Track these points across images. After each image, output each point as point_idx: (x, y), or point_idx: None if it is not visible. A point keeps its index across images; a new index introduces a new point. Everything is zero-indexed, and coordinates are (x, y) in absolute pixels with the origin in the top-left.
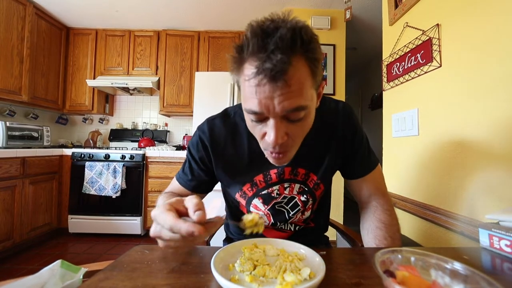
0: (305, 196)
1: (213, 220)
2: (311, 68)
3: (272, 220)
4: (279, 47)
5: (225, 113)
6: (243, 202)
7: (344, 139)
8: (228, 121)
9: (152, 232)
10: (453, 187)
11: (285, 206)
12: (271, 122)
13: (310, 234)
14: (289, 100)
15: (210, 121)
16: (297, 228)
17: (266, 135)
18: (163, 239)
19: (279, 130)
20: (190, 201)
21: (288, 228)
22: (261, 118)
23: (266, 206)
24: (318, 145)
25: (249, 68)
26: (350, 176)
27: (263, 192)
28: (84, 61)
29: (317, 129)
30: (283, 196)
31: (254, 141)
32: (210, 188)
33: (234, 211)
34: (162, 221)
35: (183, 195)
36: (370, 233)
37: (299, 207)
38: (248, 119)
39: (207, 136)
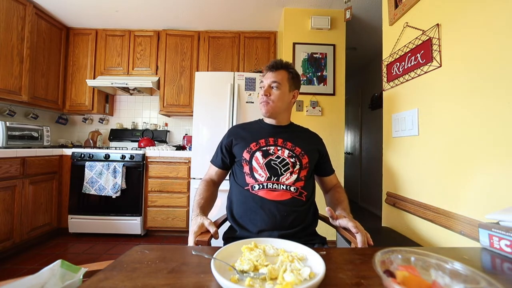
0: (293, 159)
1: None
2: (288, 75)
3: (268, 174)
4: (276, 63)
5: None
6: (247, 156)
7: (320, 144)
8: (246, 123)
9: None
10: (453, 187)
11: (278, 164)
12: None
13: (302, 207)
14: (273, 78)
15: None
16: (288, 188)
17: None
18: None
19: (267, 88)
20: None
21: (281, 188)
22: (265, 84)
23: (264, 159)
24: (303, 138)
25: (266, 69)
26: (324, 174)
27: (263, 148)
28: (84, 61)
29: (304, 132)
30: (276, 155)
31: (259, 124)
32: (228, 166)
33: (241, 180)
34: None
35: (213, 174)
36: (333, 204)
37: (289, 165)
38: (260, 89)
39: (234, 128)
